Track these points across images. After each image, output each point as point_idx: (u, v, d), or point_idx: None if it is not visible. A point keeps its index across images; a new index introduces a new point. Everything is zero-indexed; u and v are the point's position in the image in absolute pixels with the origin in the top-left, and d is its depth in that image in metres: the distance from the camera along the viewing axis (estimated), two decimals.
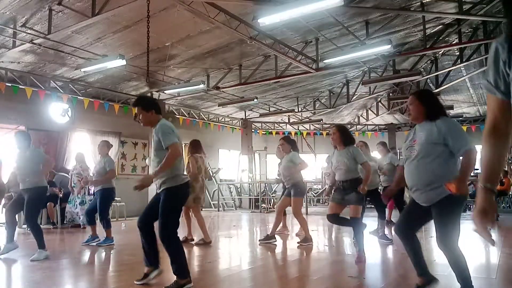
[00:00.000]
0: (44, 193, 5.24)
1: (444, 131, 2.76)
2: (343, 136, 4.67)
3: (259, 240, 6.27)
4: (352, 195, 4.51)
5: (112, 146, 6.82)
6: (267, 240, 6.12)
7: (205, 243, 6.10)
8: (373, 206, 7.03)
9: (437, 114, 2.87)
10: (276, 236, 6.34)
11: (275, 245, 6.10)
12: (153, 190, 3.69)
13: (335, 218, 4.64)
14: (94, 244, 6.11)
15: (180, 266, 3.43)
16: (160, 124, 3.53)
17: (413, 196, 2.99)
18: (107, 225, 6.14)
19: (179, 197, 3.52)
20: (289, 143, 6.22)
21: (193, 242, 6.26)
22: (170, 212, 3.43)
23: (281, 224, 7.08)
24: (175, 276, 3.43)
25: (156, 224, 3.49)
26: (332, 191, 4.83)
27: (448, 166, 2.78)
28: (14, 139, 5.18)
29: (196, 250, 5.83)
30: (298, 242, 6.00)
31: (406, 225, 3.08)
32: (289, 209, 6.65)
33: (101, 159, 6.40)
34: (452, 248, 2.75)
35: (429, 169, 2.78)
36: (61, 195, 9.30)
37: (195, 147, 6.43)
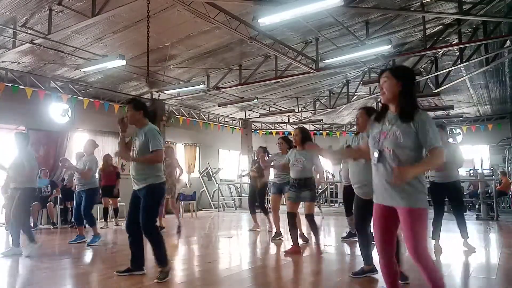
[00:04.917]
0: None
1: None
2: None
3: (272, 237, 6.57)
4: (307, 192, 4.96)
5: (98, 146, 6.92)
6: (277, 237, 6.50)
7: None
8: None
9: None
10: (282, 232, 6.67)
11: (282, 240, 6.40)
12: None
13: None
14: (82, 243, 6.23)
15: (162, 255, 3.77)
16: (150, 128, 3.86)
17: None
18: (91, 223, 6.31)
19: (160, 193, 3.92)
20: (287, 143, 6.31)
21: (164, 230, 7.34)
22: (152, 206, 3.80)
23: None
24: (158, 267, 3.76)
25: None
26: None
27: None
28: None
29: (196, 250, 5.83)
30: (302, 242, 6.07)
31: None
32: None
33: (85, 157, 6.46)
34: None
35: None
36: (60, 195, 9.28)
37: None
